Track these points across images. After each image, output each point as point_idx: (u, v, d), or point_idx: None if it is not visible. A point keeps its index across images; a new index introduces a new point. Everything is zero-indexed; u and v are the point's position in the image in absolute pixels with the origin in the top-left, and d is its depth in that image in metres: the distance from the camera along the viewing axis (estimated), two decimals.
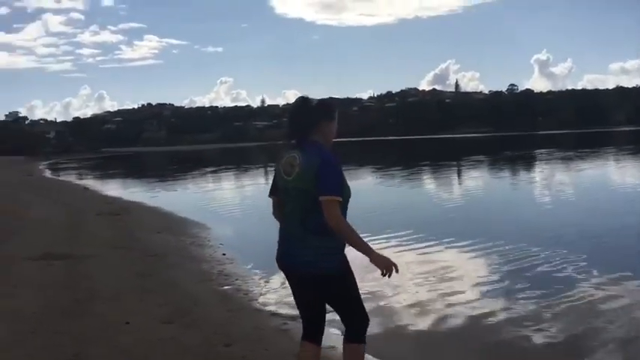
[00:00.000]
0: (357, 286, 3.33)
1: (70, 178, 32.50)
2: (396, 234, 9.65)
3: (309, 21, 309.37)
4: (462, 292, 6.28)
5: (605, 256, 7.67)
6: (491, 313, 5.56)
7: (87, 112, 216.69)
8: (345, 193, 3.17)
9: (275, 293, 6.38)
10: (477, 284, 6.61)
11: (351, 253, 3.15)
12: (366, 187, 19.06)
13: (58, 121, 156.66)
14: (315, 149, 3.19)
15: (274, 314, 5.62)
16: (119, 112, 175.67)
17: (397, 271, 3.10)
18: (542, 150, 40.40)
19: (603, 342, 4.80)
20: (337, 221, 3.06)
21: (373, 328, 3.76)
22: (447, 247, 8.69)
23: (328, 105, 3.37)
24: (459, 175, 24.42)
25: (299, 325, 5.14)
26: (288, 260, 3.25)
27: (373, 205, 13.21)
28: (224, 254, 8.57)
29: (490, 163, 29.89)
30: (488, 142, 64.91)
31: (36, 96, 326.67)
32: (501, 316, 5.50)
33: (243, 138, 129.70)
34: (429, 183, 20.86)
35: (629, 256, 7.66)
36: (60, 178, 31.68)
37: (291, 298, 3.50)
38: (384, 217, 11.99)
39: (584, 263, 7.22)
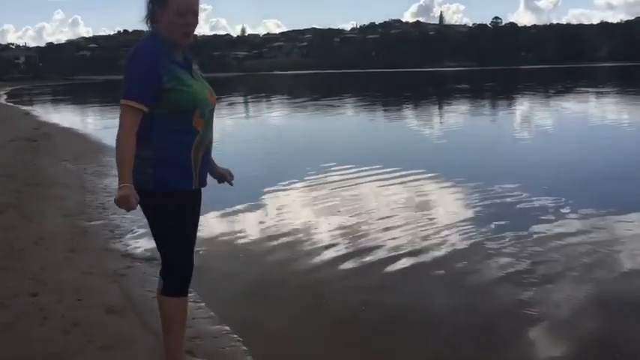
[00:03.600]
0: (183, 222, 2.58)
1: (21, 103, 31.00)
2: (368, 166, 8.87)
3: None
4: (435, 227, 5.65)
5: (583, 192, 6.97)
6: (461, 249, 5.01)
7: (61, 37, 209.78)
8: (168, 99, 2.45)
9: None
10: (450, 218, 5.97)
11: None
12: (344, 122, 18.14)
13: (30, 46, 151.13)
14: (140, 42, 2.51)
15: (126, 255, 4.81)
16: (94, 39, 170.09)
17: (127, 209, 2.40)
18: (525, 86, 39.45)
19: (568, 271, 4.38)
20: (119, 130, 2.43)
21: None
22: (420, 181, 7.94)
23: None
24: (440, 110, 23.41)
25: (145, 269, 4.49)
26: None
27: (349, 140, 12.60)
28: None
29: (471, 100, 28.95)
30: (470, 76, 63.69)
31: (6, 20, 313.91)
32: (476, 249, 4.98)
33: (223, 68, 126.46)
34: (407, 118, 19.80)
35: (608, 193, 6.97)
36: (8, 104, 30.16)
37: None
38: (359, 150, 11.25)
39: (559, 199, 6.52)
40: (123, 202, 2.35)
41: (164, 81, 2.44)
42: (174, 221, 2.57)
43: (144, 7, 2.58)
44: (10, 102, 32.69)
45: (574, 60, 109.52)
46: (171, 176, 2.51)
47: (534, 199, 6.61)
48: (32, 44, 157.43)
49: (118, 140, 2.40)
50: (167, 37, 2.50)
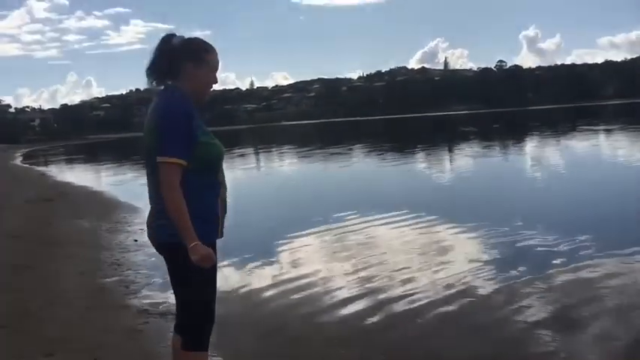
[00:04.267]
0: (210, 275, 2.59)
1: (37, 164, 31.50)
2: (385, 213, 8.82)
3: (296, 1, 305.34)
4: (457, 272, 5.60)
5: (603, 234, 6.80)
6: (485, 293, 4.96)
7: (74, 99, 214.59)
8: (201, 153, 2.50)
9: (167, 283, 5.51)
10: (470, 264, 5.89)
11: None
12: (353, 170, 18.21)
13: (45, 108, 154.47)
14: (166, 96, 2.52)
15: (143, 311, 4.78)
16: (107, 98, 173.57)
17: (211, 263, 2.47)
18: (534, 125, 39.55)
19: (597, 314, 4.29)
20: (168, 188, 2.42)
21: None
22: (439, 227, 7.83)
23: (196, 44, 2.61)
24: (451, 153, 23.43)
25: (161, 324, 4.45)
26: (147, 232, 2.68)
27: (362, 186, 12.63)
28: (136, 240, 7.71)
29: (481, 140, 29.02)
30: (478, 118, 64.04)
31: (22, 84, 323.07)
32: (495, 294, 4.93)
33: (233, 121, 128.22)
34: (418, 162, 19.82)
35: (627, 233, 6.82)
36: (24, 165, 30.68)
37: None
38: (373, 196, 11.28)
39: (581, 242, 6.40)
40: (206, 261, 2.42)
41: (199, 135, 2.50)
42: (206, 272, 2.56)
43: (151, 62, 2.60)
44: (26, 163, 33.25)
45: (581, 99, 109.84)
46: (205, 229, 2.52)
47: (554, 241, 6.50)
48: (47, 106, 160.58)
49: (172, 200, 2.41)
50: (194, 92, 2.57)
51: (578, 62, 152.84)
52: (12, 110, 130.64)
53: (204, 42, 2.66)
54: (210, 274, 2.62)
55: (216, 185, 2.62)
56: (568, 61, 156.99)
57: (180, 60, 2.57)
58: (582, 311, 4.38)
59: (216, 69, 2.64)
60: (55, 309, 4.74)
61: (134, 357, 3.68)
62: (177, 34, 2.66)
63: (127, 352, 3.80)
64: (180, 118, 2.47)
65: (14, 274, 5.84)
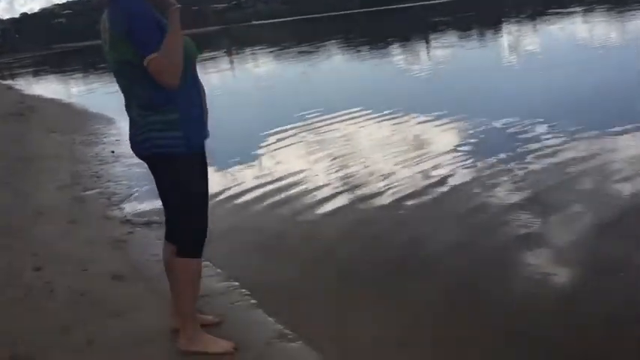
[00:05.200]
0: (203, 183, 2.61)
1: (1, 78, 30.44)
2: (359, 110, 8.79)
3: None
4: (433, 164, 5.64)
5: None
6: (461, 181, 5.03)
7: (34, 6, 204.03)
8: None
9: (149, 193, 5.50)
10: (446, 154, 5.94)
11: None
12: (325, 66, 17.87)
13: (4, 18, 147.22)
14: (120, 2, 2.36)
15: (126, 221, 4.80)
16: (68, 4, 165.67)
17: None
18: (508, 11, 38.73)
19: (572, 197, 4.37)
20: (167, 65, 2.32)
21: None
22: (414, 120, 7.84)
23: None
24: (425, 45, 23.02)
25: (145, 234, 4.49)
26: (131, 144, 2.57)
27: (335, 83, 12.52)
28: (112, 152, 7.63)
29: (453, 30, 28.46)
30: (452, 6, 62.43)
31: None
32: (470, 182, 4.98)
33: (202, 22, 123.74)
34: (391, 57, 19.44)
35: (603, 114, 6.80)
36: None
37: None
38: (347, 93, 11.16)
39: (557, 126, 6.41)
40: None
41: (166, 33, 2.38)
42: (200, 179, 2.59)
43: None
44: None
45: None
46: (196, 133, 2.51)
47: (529, 126, 6.55)
48: (5, 16, 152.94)
49: (165, 59, 2.29)
50: None
51: None
52: None
53: None
54: (202, 183, 2.61)
55: (196, 81, 2.56)
56: None
57: None
58: (557, 194, 4.47)
59: None
60: (38, 224, 4.73)
61: (122, 267, 3.73)
62: None
63: (114, 262, 3.84)
64: (144, 18, 2.35)
65: None
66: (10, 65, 49.18)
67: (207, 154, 2.67)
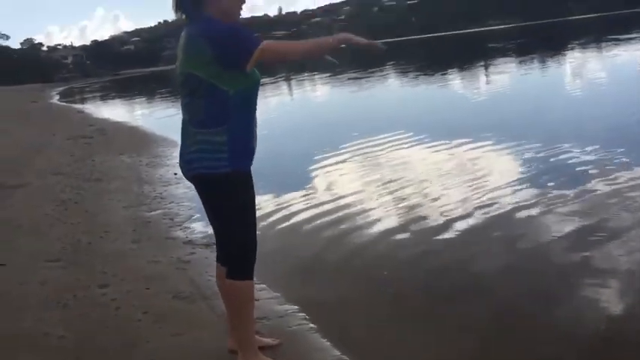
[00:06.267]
0: (251, 204, 2.63)
1: (73, 102, 31.99)
2: (416, 135, 8.79)
3: None
4: (489, 188, 5.60)
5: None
6: (522, 206, 4.96)
7: (104, 34, 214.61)
8: (242, 78, 2.48)
9: None
10: (502, 179, 5.88)
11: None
12: (392, 91, 17.97)
13: (76, 45, 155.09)
14: (203, 23, 2.46)
15: (188, 242, 4.91)
16: (136, 32, 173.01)
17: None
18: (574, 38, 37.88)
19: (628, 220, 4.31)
20: (285, 49, 2.57)
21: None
22: (471, 145, 7.74)
23: None
24: (483, 71, 22.78)
25: (207, 254, 4.57)
26: (180, 162, 2.63)
27: (393, 108, 12.63)
28: (175, 174, 7.83)
29: (513, 56, 28.06)
30: (514, 32, 61.54)
31: (51, 21, 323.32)
32: (531, 208, 4.89)
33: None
34: (450, 82, 19.36)
35: None
36: (61, 103, 31.14)
37: None
38: (404, 118, 11.21)
39: (617, 155, 6.27)
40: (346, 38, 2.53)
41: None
42: (248, 201, 2.61)
43: None
44: (63, 101, 33.75)
45: (627, 5, 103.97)
46: (242, 156, 2.55)
47: (590, 155, 6.38)
48: (77, 43, 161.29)
49: (299, 52, 2.53)
50: (224, 18, 2.50)
51: None
52: (45, 49, 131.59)
53: None
54: (249, 202, 2.63)
55: (254, 109, 2.61)
56: None
57: None
58: (614, 221, 4.33)
59: None
60: (104, 242, 4.91)
61: (183, 286, 3.81)
62: None
63: (176, 281, 3.92)
64: (235, 31, 2.45)
65: (62, 209, 6.04)
66: (81, 90, 51.63)
67: (255, 176, 2.71)
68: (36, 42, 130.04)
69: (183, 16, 2.57)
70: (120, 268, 4.21)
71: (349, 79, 24.42)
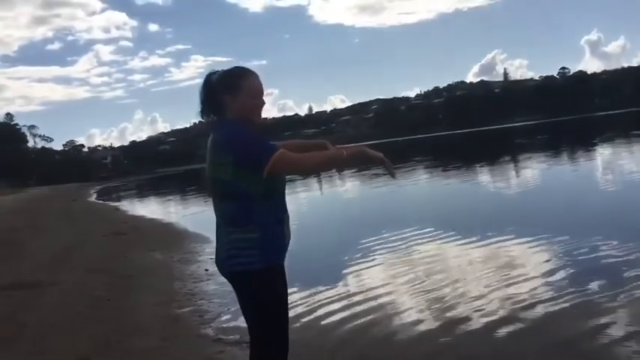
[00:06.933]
0: (283, 302, 2.65)
1: (110, 200, 32.86)
2: (449, 231, 8.71)
3: (349, 25, 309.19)
4: (529, 288, 5.41)
5: None
6: (561, 308, 4.76)
7: (142, 135, 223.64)
8: (266, 178, 2.57)
9: (238, 312, 5.58)
10: (542, 279, 5.70)
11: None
12: (415, 186, 18.05)
13: (115, 146, 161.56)
14: (225, 128, 2.62)
15: (217, 340, 4.85)
16: (172, 133, 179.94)
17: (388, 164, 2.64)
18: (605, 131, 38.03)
19: None
20: (296, 163, 2.61)
21: None
22: (508, 243, 7.60)
23: (230, 74, 2.68)
24: (513, 166, 22.86)
25: (236, 353, 4.50)
26: (216, 259, 2.72)
27: (425, 204, 12.77)
28: (206, 270, 7.87)
29: (542, 151, 28.18)
30: (540, 129, 62.09)
31: (94, 125, 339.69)
32: (573, 311, 4.69)
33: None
34: (480, 177, 19.41)
35: None
36: (98, 201, 32.07)
37: None
38: (437, 214, 11.18)
39: None
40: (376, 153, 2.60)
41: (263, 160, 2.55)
42: (280, 297, 2.64)
43: (200, 102, 2.73)
44: (100, 199, 34.77)
45: None
46: (274, 252, 2.60)
47: (630, 252, 6.20)
48: (117, 144, 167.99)
49: (310, 166, 2.64)
50: (244, 120, 2.63)
51: None
52: (85, 150, 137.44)
53: (240, 69, 2.71)
54: (282, 301, 2.64)
55: (284, 209, 2.68)
56: (634, 63, 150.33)
57: (219, 95, 2.65)
58: None
59: (255, 93, 2.66)
60: (134, 340, 4.88)
61: None
62: (235, 65, 2.78)
63: None
64: (248, 137, 2.57)
65: (94, 307, 6.07)
66: (118, 188, 53.19)
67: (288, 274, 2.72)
68: (77, 143, 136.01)
69: (212, 117, 2.72)
70: None
71: (376, 175, 24.68)
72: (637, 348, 3.75)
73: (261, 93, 2.69)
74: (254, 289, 2.58)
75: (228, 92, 2.63)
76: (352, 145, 2.66)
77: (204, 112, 2.72)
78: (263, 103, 2.71)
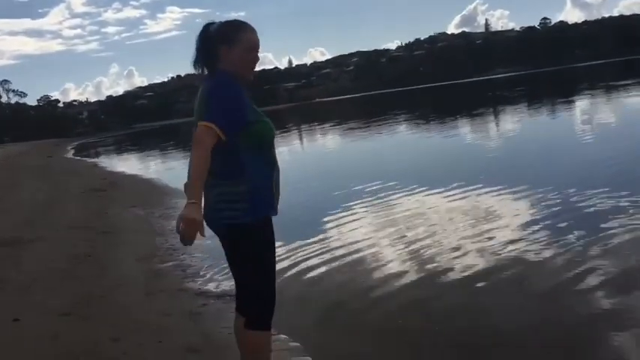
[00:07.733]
0: (271, 254, 2.68)
1: (87, 156, 32.47)
2: (430, 183, 8.78)
3: None
4: (508, 239, 5.49)
5: None
6: (540, 258, 4.84)
7: (118, 90, 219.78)
8: (252, 131, 2.55)
9: (222, 266, 5.60)
10: (522, 229, 5.77)
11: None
12: (394, 140, 18.13)
13: (91, 101, 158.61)
14: (213, 79, 2.59)
15: (200, 293, 4.88)
16: (150, 87, 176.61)
17: (189, 235, 2.39)
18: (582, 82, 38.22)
19: None
20: (197, 144, 2.46)
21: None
22: (487, 194, 7.69)
23: (228, 25, 2.63)
24: (495, 118, 22.93)
25: (219, 306, 4.54)
26: (203, 212, 2.61)
27: (404, 157, 12.80)
28: None
29: (521, 103, 28.30)
30: (521, 80, 62.15)
31: (68, 79, 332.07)
32: (550, 259, 4.79)
33: (274, 101, 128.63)
34: (459, 130, 19.45)
35: None
36: (76, 158, 31.67)
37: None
38: (417, 167, 11.28)
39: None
40: (189, 225, 2.35)
41: (248, 114, 2.55)
42: (267, 249, 2.65)
43: (195, 51, 2.68)
44: (78, 156, 34.32)
45: (632, 52, 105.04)
46: (264, 205, 2.60)
47: (609, 201, 6.31)
48: (93, 99, 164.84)
49: (197, 157, 2.44)
50: (236, 73, 2.60)
51: (627, 13, 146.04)
52: (61, 105, 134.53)
53: (239, 22, 2.68)
54: (268, 252, 2.66)
55: (274, 162, 2.67)
56: (615, 13, 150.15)
57: (216, 45, 2.61)
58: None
59: (252, 47, 2.64)
60: (116, 295, 4.89)
61: (196, 339, 3.77)
62: (212, 17, 2.74)
63: (188, 334, 3.89)
64: (227, 94, 2.53)
65: (75, 263, 6.05)
66: (95, 144, 52.52)
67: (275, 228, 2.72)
68: (52, 99, 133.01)
69: (201, 71, 2.68)
70: (132, 321, 4.18)
71: (350, 130, 24.64)
72: (616, 298, 3.84)
73: (257, 48, 2.67)
74: (244, 242, 2.59)
75: (226, 43, 2.60)
76: (193, 205, 2.38)
77: (199, 62, 2.68)
78: (257, 59, 2.69)
